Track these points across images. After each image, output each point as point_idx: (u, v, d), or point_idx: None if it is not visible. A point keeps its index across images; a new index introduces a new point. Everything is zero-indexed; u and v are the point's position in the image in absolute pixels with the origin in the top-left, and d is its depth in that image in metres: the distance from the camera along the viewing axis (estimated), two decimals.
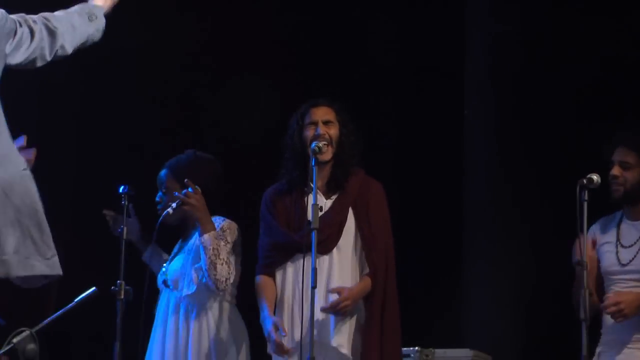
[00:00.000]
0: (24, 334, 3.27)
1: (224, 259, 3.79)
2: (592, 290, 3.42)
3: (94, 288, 3.52)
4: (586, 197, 3.37)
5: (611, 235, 3.67)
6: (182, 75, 5.57)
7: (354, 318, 3.61)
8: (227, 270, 3.78)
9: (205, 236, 3.75)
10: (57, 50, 2.65)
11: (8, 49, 2.62)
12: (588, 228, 3.49)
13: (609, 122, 4.91)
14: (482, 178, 5.48)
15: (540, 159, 5.32)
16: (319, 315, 3.55)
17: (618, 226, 3.68)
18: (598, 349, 3.61)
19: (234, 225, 3.91)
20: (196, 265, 3.84)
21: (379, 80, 5.88)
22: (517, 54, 5.57)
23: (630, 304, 3.40)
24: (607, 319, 3.61)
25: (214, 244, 3.77)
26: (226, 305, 3.87)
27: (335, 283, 3.60)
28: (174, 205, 3.79)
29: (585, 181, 3.37)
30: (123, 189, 3.80)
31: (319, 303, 3.54)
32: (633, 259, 3.54)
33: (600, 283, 3.64)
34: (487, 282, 4.95)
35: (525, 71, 5.47)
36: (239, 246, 3.94)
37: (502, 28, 5.63)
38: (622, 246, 3.59)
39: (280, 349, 3.54)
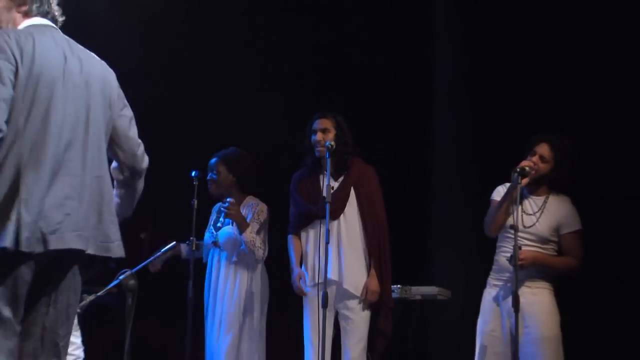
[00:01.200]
0: (127, 273, 4.56)
1: (259, 246, 4.97)
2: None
3: (174, 242, 4.92)
4: (519, 181, 4.22)
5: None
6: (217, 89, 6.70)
7: (358, 265, 4.64)
8: (262, 251, 4.99)
9: (244, 235, 4.90)
10: None
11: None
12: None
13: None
14: (447, 150, 6.31)
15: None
16: (332, 263, 4.57)
17: (521, 197, 4.42)
18: (492, 280, 4.57)
19: (265, 207, 5.13)
20: (241, 247, 5.00)
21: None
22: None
23: (528, 258, 4.33)
24: (504, 261, 4.43)
25: (249, 238, 4.92)
26: (259, 265, 5.11)
27: (342, 240, 4.65)
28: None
29: (518, 169, 4.26)
30: (195, 174, 4.94)
31: (332, 254, 4.56)
32: (532, 225, 4.43)
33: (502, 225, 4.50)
34: (449, 234, 5.91)
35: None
36: (267, 223, 5.09)
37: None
38: (525, 213, 4.48)
39: (301, 292, 4.69)
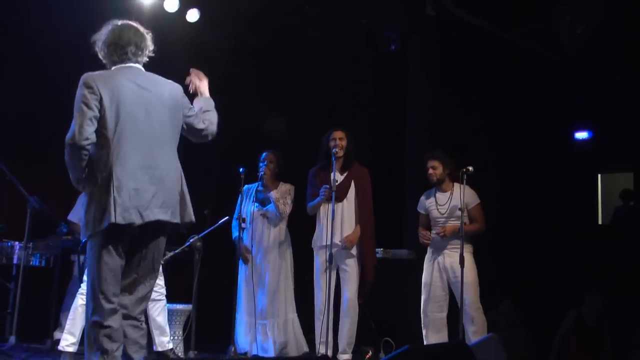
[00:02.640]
0: (195, 237, 5.94)
1: (283, 203, 6.41)
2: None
3: (227, 217, 6.33)
4: (465, 178, 5.75)
5: (432, 200, 6.08)
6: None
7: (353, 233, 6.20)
8: (287, 209, 6.43)
9: (272, 194, 6.39)
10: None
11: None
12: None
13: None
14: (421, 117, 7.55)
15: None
16: (336, 233, 6.10)
17: (435, 195, 6.12)
18: (428, 254, 6.12)
19: (292, 187, 6.55)
20: (277, 213, 6.43)
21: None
22: None
23: (448, 230, 5.89)
24: (436, 238, 5.99)
25: (277, 198, 6.39)
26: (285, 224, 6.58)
27: (344, 217, 6.18)
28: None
29: (464, 170, 5.77)
30: (242, 170, 6.31)
31: (336, 227, 6.05)
32: (445, 212, 5.98)
33: (429, 224, 6.12)
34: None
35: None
36: (293, 198, 6.53)
37: None
38: (439, 205, 6.06)
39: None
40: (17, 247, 6.86)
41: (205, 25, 7.90)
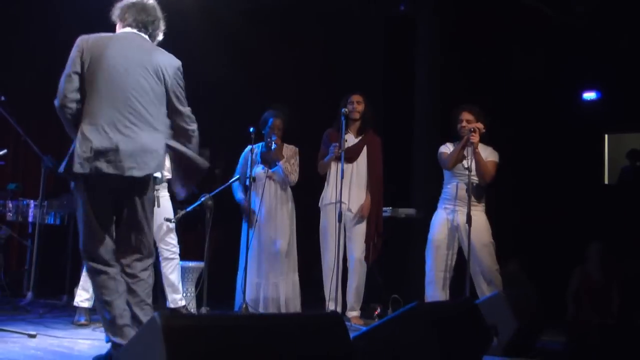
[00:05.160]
0: (206, 196, 5.93)
1: (292, 171, 6.37)
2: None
3: (238, 176, 6.32)
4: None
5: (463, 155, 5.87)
6: None
7: (361, 195, 6.23)
8: (294, 177, 6.40)
9: (281, 165, 6.31)
10: None
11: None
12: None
13: None
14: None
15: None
16: (344, 192, 6.06)
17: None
18: (442, 204, 5.99)
19: (297, 150, 6.49)
20: (287, 180, 6.37)
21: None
22: None
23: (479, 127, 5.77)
24: (453, 190, 5.84)
25: (285, 166, 6.33)
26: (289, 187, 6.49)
27: (353, 178, 6.20)
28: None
29: (472, 128, 5.72)
30: (252, 130, 6.28)
31: (345, 187, 6.01)
32: (469, 165, 5.76)
33: None
34: (427, 173, 7.14)
35: None
36: (297, 159, 6.47)
37: None
38: (465, 158, 5.83)
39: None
40: (32, 205, 6.89)
41: None
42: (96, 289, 3.83)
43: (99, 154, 3.73)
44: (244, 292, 6.24)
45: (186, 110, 4.05)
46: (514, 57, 7.75)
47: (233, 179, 6.40)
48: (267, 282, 6.36)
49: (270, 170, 6.47)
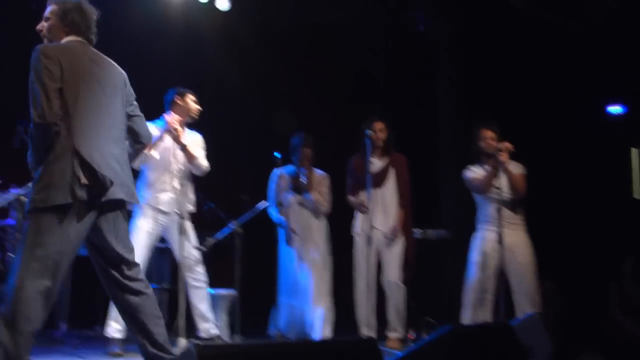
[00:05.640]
0: (237, 222, 5.92)
1: (323, 202, 6.31)
2: None
3: (266, 202, 6.18)
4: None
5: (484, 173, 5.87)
6: None
7: (392, 218, 6.31)
8: (324, 209, 6.35)
9: (312, 195, 6.26)
10: None
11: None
12: None
13: None
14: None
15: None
16: (377, 217, 6.23)
17: (485, 168, 5.90)
18: (481, 232, 5.94)
19: (327, 177, 6.46)
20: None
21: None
22: None
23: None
24: (492, 211, 5.76)
25: (316, 197, 6.28)
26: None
27: (386, 202, 6.27)
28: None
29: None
30: (279, 155, 6.24)
31: (377, 212, 6.18)
32: (500, 185, 5.79)
33: None
34: (455, 192, 7.11)
35: None
36: (330, 187, 6.42)
37: None
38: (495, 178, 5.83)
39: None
40: None
41: (236, 13, 7.87)
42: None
43: (103, 178, 3.59)
44: (278, 318, 6.26)
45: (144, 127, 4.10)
46: (537, 72, 7.71)
47: (261, 204, 6.28)
48: (302, 307, 6.31)
49: (301, 197, 6.41)
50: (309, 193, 6.33)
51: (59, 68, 3.58)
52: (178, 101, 5.74)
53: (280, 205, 6.34)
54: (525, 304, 5.74)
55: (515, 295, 5.75)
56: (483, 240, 5.92)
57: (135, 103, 4.04)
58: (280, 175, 6.40)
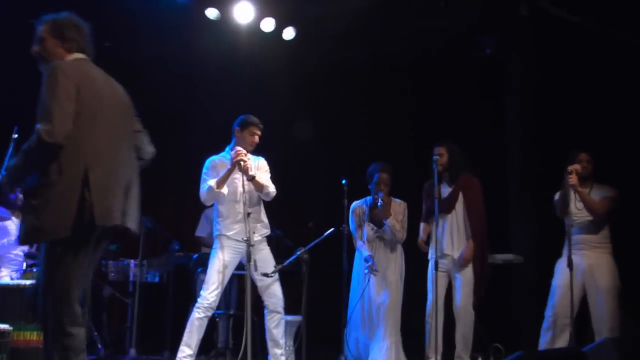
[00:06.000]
0: (302, 250, 5.91)
1: (399, 229, 6.35)
2: None
3: (332, 229, 6.15)
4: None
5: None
6: None
7: (464, 244, 6.20)
8: (402, 234, 6.37)
9: (388, 221, 6.29)
10: None
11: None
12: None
13: None
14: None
15: None
16: (447, 244, 6.20)
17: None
18: (565, 250, 5.74)
19: (405, 205, 6.51)
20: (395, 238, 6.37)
21: None
22: None
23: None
24: (573, 237, 5.66)
25: (392, 224, 6.29)
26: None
27: (454, 227, 6.19)
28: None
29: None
30: (344, 181, 6.37)
31: (447, 239, 6.15)
32: (582, 207, 5.73)
33: None
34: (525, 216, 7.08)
35: None
36: (407, 215, 6.48)
37: None
38: (577, 200, 5.74)
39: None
40: (132, 265, 7.13)
41: (302, 42, 8.01)
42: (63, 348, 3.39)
43: (120, 201, 3.54)
44: (348, 349, 6.28)
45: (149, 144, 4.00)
46: (605, 90, 7.52)
47: (328, 231, 6.27)
48: (371, 343, 6.34)
49: (380, 230, 6.46)
50: (386, 221, 6.38)
51: (75, 87, 3.46)
52: (237, 134, 5.82)
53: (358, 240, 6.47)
54: (603, 329, 5.58)
55: (594, 322, 5.62)
56: (563, 264, 5.79)
57: (138, 118, 3.95)
58: (354, 210, 6.56)
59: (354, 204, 6.57)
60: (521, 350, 3.60)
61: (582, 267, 5.69)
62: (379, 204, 6.35)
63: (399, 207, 6.51)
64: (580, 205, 5.79)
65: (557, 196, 5.96)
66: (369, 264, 6.34)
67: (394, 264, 6.47)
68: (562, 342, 5.72)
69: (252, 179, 5.62)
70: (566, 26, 7.20)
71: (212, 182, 5.61)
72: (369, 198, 6.55)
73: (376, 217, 6.47)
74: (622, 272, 5.74)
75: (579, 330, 5.69)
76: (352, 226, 6.56)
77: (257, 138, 5.77)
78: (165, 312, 7.06)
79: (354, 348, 6.44)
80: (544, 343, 5.80)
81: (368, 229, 6.47)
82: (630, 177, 6.58)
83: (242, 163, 5.53)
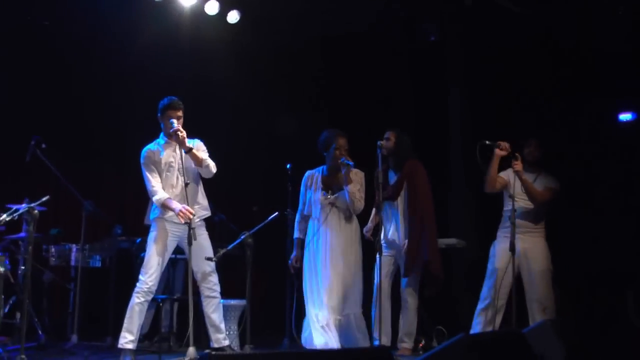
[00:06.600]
0: (246, 234, 5.90)
1: (359, 198, 5.91)
2: None
3: (276, 213, 5.95)
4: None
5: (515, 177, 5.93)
6: None
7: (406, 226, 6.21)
8: (360, 205, 5.93)
9: (349, 187, 5.85)
10: None
11: None
12: None
13: None
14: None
15: None
16: (390, 229, 6.23)
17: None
18: (499, 239, 6.00)
19: (363, 175, 6.03)
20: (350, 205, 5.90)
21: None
22: None
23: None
24: (507, 223, 5.81)
25: (352, 190, 5.84)
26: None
27: (400, 214, 6.17)
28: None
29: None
30: (289, 166, 6.37)
31: (391, 224, 6.16)
32: (513, 192, 5.87)
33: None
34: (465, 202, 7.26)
35: None
36: (364, 184, 6.00)
37: None
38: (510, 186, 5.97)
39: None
40: (75, 249, 7.03)
41: (246, 26, 7.97)
42: None
43: None
44: (304, 327, 6.03)
45: None
46: (547, 81, 7.70)
47: (272, 215, 6.20)
48: (336, 318, 5.92)
49: (333, 197, 6.04)
50: (346, 187, 5.95)
51: None
52: (159, 121, 5.76)
53: (306, 216, 6.13)
54: (537, 311, 5.76)
55: (528, 303, 5.79)
56: (499, 247, 5.99)
57: None
58: (309, 175, 6.19)
59: (307, 172, 6.21)
60: (462, 333, 3.67)
61: (518, 251, 5.80)
62: (343, 170, 5.91)
63: (356, 176, 6.05)
64: (511, 191, 5.92)
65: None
66: (294, 255, 6.13)
67: (351, 237, 6.09)
68: (496, 323, 5.87)
69: (189, 150, 5.56)
70: (507, 15, 7.35)
71: (162, 196, 5.58)
72: (322, 167, 6.20)
73: (332, 184, 6.10)
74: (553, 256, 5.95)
75: (510, 311, 5.80)
76: (301, 192, 6.22)
77: (176, 121, 5.60)
78: (107, 297, 6.99)
79: (313, 327, 5.97)
80: (478, 324, 5.93)
81: (320, 196, 6.07)
82: (570, 165, 6.77)
83: (179, 133, 5.47)
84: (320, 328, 5.86)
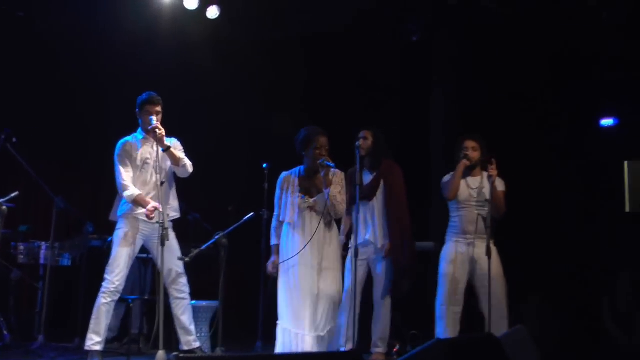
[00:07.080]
0: (220, 234, 5.83)
1: (340, 202, 5.38)
2: None
3: (252, 213, 5.96)
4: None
5: (463, 182, 5.92)
6: None
7: (384, 232, 6.11)
8: (342, 208, 5.41)
9: (330, 189, 5.29)
10: None
11: None
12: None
13: None
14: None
15: None
16: (367, 230, 6.15)
17: (465, 178, 5.99)
18: (449, 244, 5.94)
19: (343, 175, 5.51)
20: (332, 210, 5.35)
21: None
22: None
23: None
24: (459, 226, 5.84)
25: (334, 193, 5.30)
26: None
27: (375, 215, 6.10)
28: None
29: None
30: (265, 165, 6.27)
31: (367, 226, 6.08)
32: (477, 195, 5.86)
33: None
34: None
35: None
36: (345, 186, 5.48)
37: None
38: (471, 188, 5.92)
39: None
40: (44, 247, 6.91)
41: (226, 21, 7.89)
42: None
43: None
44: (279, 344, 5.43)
45: None
46: (531, 83, 7.69)
47: (247, 216, 6.05)
48: (315, 335, 5.29)
49: (311, 200, 5.48)
50: (326, 190, 5.40)
51: None
52: (138, 117, 5.69)
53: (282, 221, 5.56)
54: (495, 316, 5.64)
55: (484, 309, 5.68)
56: (451, 252, 5.92)
57: None
58: (285, 177, 5.60)
59: (283, 173, 5.64)
60: (437, 337, 3.62)
61: (473, 256, 5.81)
62: (321, 173, 5.42)
63: (337, 177, 5.49)
64: (474, 193, 5.91)
65: (446, 178, 6.05)
66: (271, 260, 5.56)
67: (330, 241, 5.47)
68: (455, 330, 5.80)
69: (167, 149, 5.47)
70: (492, 15, 7.33)
71: (134, 192, 5.50)
72: (298, 168, 5.64)
73: (310, 187, 5.53)
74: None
75: (466, 316, 5.83)
76: (276, 196, 5.63)
77: (155, 118, 5.50)
78: (77, 297, 6.86)
79: (285, 341, 5.41)
80: (439, 333, 5.80)
81: (298, 199, 5.46)
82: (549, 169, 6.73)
83: (157, 131, 5.38)
84: (290, 344, 5.29)
